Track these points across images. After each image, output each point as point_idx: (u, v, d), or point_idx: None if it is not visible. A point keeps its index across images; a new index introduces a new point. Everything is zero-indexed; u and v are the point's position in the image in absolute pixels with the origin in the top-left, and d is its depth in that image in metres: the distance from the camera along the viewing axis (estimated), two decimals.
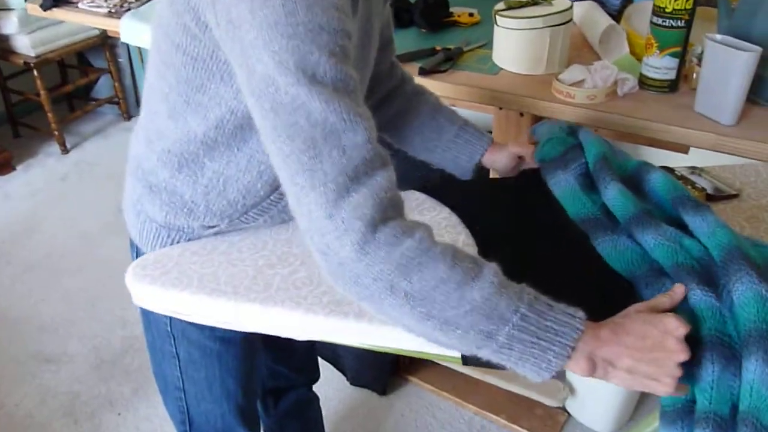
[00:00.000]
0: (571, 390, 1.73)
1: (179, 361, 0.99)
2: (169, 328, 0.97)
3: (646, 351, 0.66)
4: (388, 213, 0.65)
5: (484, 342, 0.64)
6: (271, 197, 0.88)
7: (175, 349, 0.98)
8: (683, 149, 1.31)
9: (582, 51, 1.50)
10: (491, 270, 0.66)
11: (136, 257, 0.94)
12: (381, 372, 1.86)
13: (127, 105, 3.55)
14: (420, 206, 1.01)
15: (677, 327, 0.66)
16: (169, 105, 0.81)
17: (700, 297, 0.71)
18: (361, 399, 1.88)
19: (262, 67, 0.64)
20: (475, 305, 0.63)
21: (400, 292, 0.64)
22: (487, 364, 0.74)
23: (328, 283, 0.83)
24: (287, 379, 1.36)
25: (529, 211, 0.98)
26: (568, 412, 1.78)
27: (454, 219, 0.96)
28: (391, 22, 1.11)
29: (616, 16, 1.55)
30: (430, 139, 1.11)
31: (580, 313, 0.66)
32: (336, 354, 1.91)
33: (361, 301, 0.67)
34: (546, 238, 0.91)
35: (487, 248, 0.88)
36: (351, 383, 1.91)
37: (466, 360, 0.74)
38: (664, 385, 0.66)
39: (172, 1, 0.74)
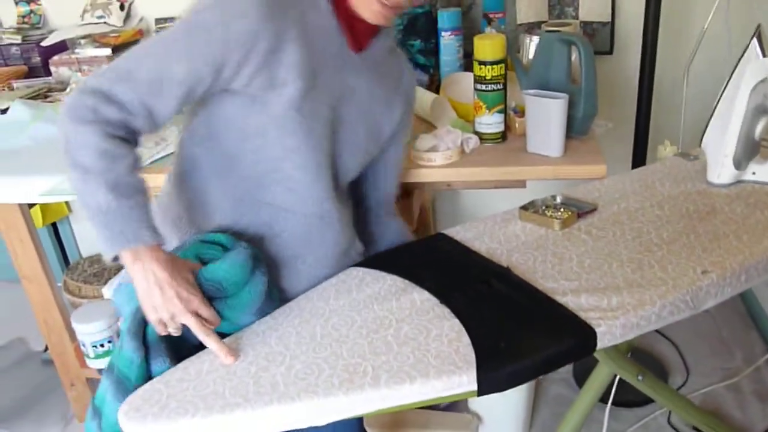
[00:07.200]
0: (479, 419, 1.88)
1: None
2: None
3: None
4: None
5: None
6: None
7: None
8: (521, 184, 1.57)
9: (415, 123, 1.74)
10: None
11: None
12: None
13: None
14: (361, 282, 1.10)
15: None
16: None
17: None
18: None
19: None
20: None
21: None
22: (500, 389, 0.88)
23: (330, 366, 0.90)
24: None
25: (456, 261, 1.13)
26: None
27: (400, 283, 1.07)
28: (404, 135, 1.32)
29: (429, 87, 1.83)
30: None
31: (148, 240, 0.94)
32: None
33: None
34: (483, 280, 1.05)
35: (447, 298, 1.00)
36: None
37: (481, 391, 0.85)
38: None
39: None
